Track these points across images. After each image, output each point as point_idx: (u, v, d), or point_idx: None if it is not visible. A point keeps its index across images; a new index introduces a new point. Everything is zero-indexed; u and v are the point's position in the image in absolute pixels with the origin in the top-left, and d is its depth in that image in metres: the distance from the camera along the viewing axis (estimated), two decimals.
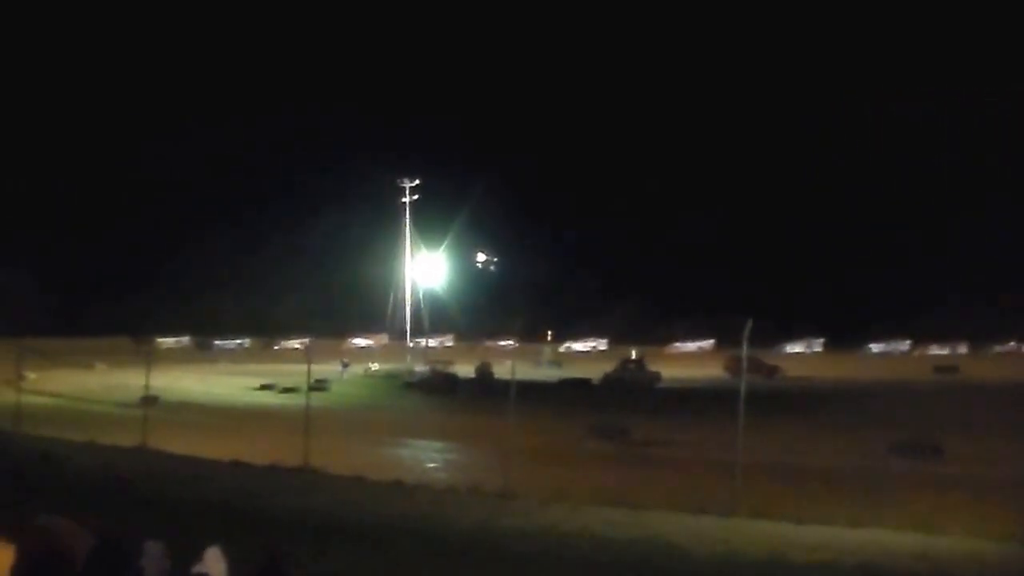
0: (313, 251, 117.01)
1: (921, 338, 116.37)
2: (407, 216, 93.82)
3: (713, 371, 75.15)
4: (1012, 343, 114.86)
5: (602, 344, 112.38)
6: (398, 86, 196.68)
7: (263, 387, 60.03)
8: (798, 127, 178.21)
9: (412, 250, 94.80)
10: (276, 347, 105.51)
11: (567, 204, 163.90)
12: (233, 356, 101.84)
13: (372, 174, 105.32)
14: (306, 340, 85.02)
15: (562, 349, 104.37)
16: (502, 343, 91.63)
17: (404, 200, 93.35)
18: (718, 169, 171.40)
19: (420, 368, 78.78)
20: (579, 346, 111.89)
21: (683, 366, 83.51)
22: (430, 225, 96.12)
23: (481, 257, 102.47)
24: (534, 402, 38.18)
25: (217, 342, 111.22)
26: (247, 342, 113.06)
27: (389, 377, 76.86)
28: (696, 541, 16.51)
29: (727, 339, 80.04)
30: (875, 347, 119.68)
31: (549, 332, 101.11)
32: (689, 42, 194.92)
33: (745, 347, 22.84)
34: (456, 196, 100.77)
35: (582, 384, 67.86)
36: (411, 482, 23.93)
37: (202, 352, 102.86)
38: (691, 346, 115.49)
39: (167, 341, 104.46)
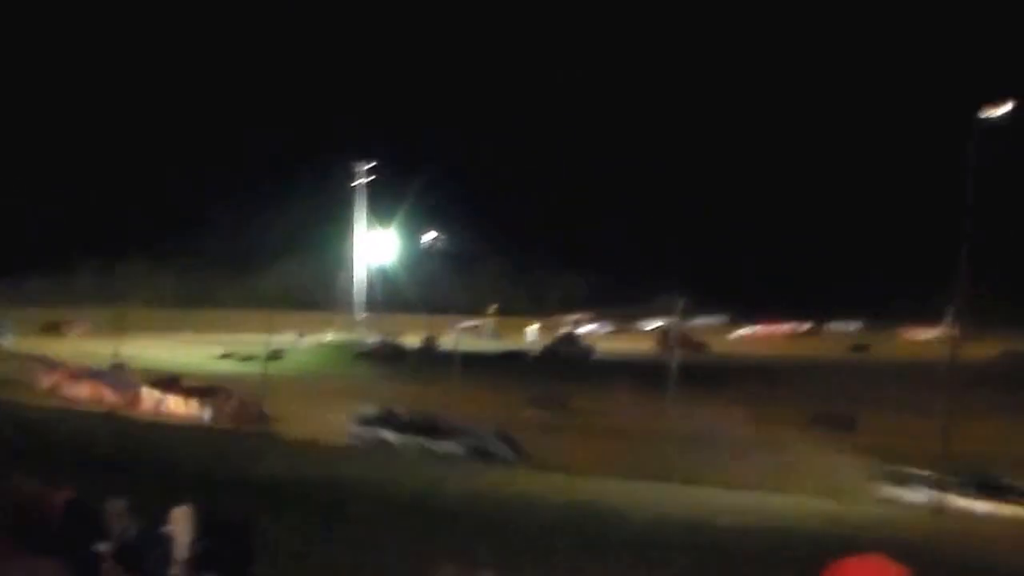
0: (272, 233, 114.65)
1: (817, 315, 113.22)
2: (361, 197, 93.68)
3: (645, 345, 75.02)
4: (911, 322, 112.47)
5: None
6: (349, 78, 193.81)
7: (224, 356, 59.12)
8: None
9: (365, 230, 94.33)
10: None
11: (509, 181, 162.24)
12: None
13: (330, 158, 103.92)
14: None
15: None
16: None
17: (358, 182, 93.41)
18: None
19: (371, 339, 78.13)
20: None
21: (619, 341, 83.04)
22: (386, 207, 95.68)
23: (429, 235, 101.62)
24: (475, 373, 38.06)
25: None
26: None
27: (342, 347, 76.23)
28: (633, 506, 16.47)
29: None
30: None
31: (494, 306, 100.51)
32: None
33: (675, 323, 23.08)
34: (406, 178, 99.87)
35: (519, 356, 67.46)
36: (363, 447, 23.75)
37: None
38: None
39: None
